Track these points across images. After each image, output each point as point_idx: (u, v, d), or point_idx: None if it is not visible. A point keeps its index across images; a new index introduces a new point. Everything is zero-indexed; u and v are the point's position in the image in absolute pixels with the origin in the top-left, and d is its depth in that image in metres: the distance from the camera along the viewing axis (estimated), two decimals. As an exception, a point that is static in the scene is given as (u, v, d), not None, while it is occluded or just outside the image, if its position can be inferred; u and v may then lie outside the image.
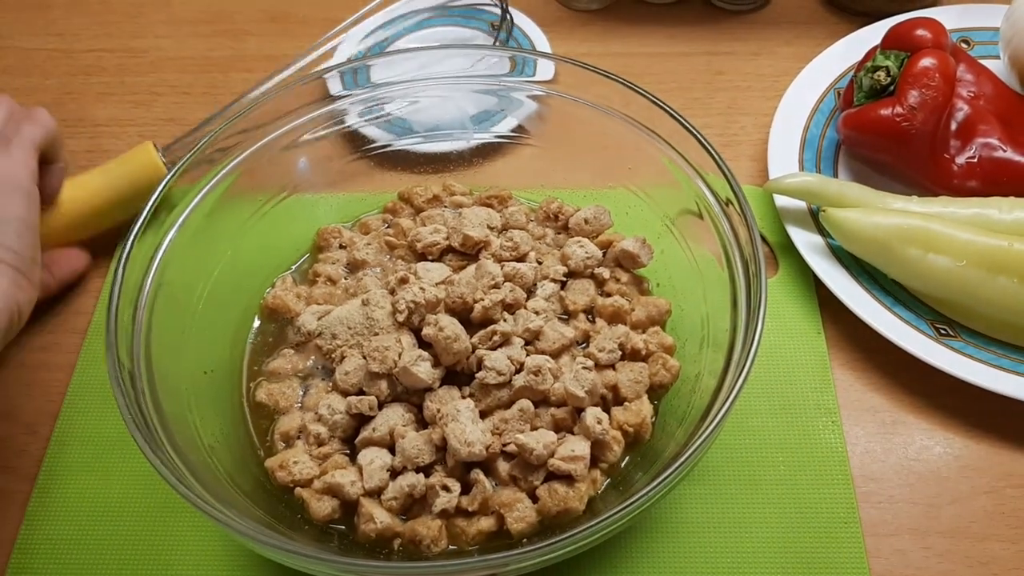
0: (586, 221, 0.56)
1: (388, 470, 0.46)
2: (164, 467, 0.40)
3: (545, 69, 0.58)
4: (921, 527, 0.51)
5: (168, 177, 0.50)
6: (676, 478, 0.39)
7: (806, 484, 0.52)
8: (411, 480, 0.45)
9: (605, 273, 0.54)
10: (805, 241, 0.59)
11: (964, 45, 0.70)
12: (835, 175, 0.64)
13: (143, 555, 0.50)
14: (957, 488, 0.52)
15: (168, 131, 0.72)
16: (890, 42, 0.62)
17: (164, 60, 0.78)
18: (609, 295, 0.53)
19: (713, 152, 0.49)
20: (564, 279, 0.53)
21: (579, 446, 0.45)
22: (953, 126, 0.61)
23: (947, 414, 0.55)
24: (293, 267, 0.58)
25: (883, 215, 0.56)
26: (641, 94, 0.53)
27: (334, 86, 0.60)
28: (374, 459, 0.46)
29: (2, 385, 0.58)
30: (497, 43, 0.72)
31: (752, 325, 0.44)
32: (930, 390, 0.55)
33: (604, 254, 0.55)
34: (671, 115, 0.51)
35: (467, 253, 0.54)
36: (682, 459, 0.39)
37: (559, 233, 0.57)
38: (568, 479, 0.45)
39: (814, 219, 0.60)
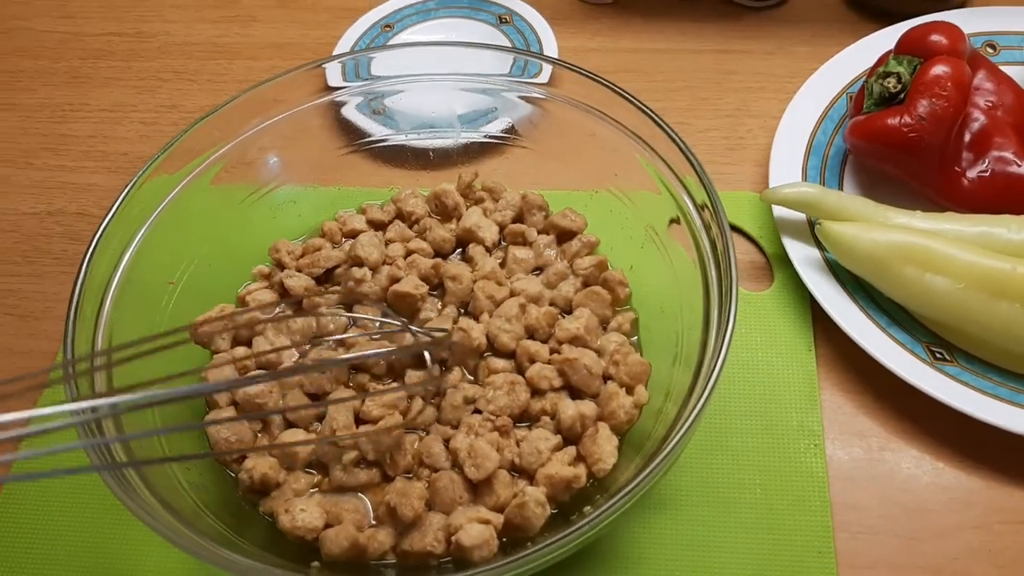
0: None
1: None
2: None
3: (543, 71, 0.56)
4: (900, 561, 0.48)
5: (144, 168, 0.50)
6: (619, 509, 0.37)
7: (782, 509, 0.50)
8: None
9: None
10: (802, 254, 0.57)
11: (990, 50, 0.66)
12: (840, 186, 0.61)
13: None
14: (943, 521, 0.49)
15: (168, 118, 0.72)
16: (903, 47, 0.59)
17: (171, 45, 0.78)
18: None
19: (686, 151, 0.47)
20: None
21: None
22: (967, 137, 0.57)
23: (938, 442, 0.52)
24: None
25: (881, 231, 0.53)
26: (625, 98, 0.51)
27: (333, 77, 0.59)
28: None
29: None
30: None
31: (719, 341, 0.42)
32: (923, 416, 0.53)
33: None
34: (650, 117, 0.50)
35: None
36: (627, 489, 0.37)
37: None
38: None
39: (812, 231, 0.58)
